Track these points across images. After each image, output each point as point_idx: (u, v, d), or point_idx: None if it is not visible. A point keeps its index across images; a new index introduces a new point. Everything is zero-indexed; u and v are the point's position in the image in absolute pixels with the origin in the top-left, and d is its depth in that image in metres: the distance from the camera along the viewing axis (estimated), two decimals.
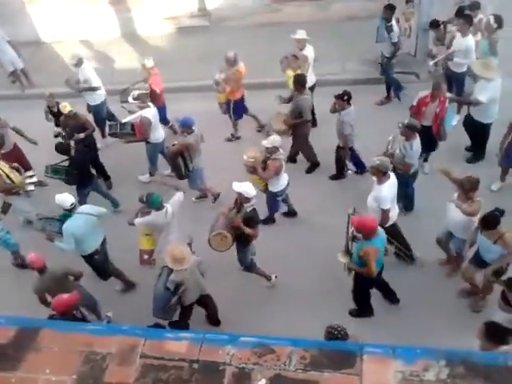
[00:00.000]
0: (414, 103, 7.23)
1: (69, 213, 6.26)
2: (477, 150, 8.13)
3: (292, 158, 8.43)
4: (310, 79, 8.38)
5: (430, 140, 7.29)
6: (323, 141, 8.15)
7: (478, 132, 7.90)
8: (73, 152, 7.39)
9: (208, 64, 9.35)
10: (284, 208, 7.66)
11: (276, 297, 6.74)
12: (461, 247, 6.32)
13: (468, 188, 5.70)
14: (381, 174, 6.00)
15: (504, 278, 5.59)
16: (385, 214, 5.98)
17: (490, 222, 5.39)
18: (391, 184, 6.04)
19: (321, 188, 7.95)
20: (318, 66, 8.81)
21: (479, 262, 5.87)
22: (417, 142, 6.55)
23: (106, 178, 8.74)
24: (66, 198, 6.29)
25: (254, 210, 6.18)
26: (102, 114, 9.24)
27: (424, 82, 9.13)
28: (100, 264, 6.61)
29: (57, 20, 12.62)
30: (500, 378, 1.66)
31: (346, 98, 7.10)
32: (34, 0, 12.50)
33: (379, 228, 5.53)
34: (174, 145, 7.49)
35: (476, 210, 5.75)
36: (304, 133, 7.93)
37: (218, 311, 6.38)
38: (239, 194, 6.06)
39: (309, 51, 8.46)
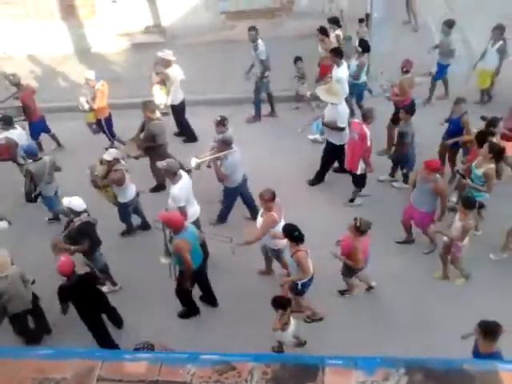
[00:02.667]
0: (369, 143, 7.35)
1: None
2: (322, 172, 8.35)
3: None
4: (178, 97, 8.91)
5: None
6: None
7: (330, 154, 8.12)
8: None
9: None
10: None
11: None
12: (275, 258, 6.73)
13: (266, 199, 6.07)
14: (171, 174, 6.54)
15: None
16: (181, 210, 6.41)
17: (287, 229, 5.72)
18: (184, 183, 6.54)
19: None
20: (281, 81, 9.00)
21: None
22: (232, 155, 7.02)
23: None
24: None
25: (84, 223, 6.36)
26: None
27: (377, 97, 9.45)
28: None
29: (6, 35, 12.28)
30: (456, 381, 1.70)
31: (225, 122, 7.45)
32: None
33: (188, 224, 6.04)
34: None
35: (266, 221, 6.12)
36: (157, 156, 7.86)
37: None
38: (69, 208, 6.36)
39: (175, 70, 8.82)
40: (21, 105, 8.86)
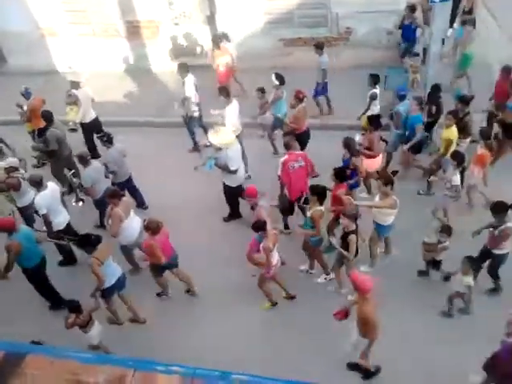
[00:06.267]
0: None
1: None
2: (233, 212, 8.61)
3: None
4: (88, 116, 9.87)
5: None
6: None
7: (229, 195, 8.32)
8: None
9: (216, 102, 9.49)
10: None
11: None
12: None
13: (108, 196, 7.07)
14: (34, 184, 7.41)
15: None
16: (43, 217, 7.35)
17: (82, 236, 6.56)
18: (46, 194, 7.36)
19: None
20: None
21: None
22: (89, 169, 7.78)
23: None
24: None
25: None
26: None
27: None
28: None
29: (74, 52, 13.00)
30: None
31: (105, 139, 8.22)
32: (55, 32, 12.92)
33: (21, 226, 6.88)
34: None
35: (112, 218, 7.02)
36: (57, 162, 9.00)
37: None
38: None
39: (83, 92, 9.75)
40: None
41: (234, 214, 8.59)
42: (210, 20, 12.28)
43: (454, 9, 12.09)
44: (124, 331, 7.06)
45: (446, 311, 6.73)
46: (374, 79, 9.12)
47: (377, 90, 9.09)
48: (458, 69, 10.28)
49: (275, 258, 6.61)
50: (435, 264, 6.95)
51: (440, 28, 9.43)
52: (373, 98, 9.04)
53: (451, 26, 12.61)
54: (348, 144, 7.70)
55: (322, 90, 10.22)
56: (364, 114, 9.07)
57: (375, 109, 9.13)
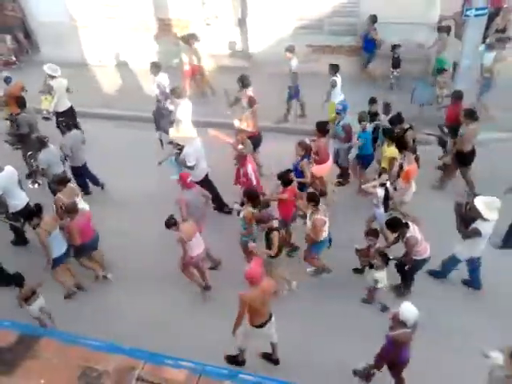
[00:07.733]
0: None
1: None
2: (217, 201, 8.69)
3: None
4: (62, 105, 10.21)
5: None
6: None
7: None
8: None
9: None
10: None
11: None
12: None
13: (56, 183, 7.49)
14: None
15: None
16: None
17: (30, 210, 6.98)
18: (3, 175, 7.53)
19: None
20: None
21: None
22: (45, 151, 8.15)
23: None
24: None
25: None
26: None
27: None
28: None
29: (105, 45, 13.21)
30: None
31: (64, 125, 8.88)
32: (88, 25, 13.16)
33: None
34: None
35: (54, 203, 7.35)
36: (27, 145, 9.29)
37: None
38: None
39: (59, 82, 10.10)
40: None
41: (219, 202, 8.72)
42: (241, 23, 12.37)
43: (487, 26, 11.97)
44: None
45: (365, 299, 7.05)
46: (334, 68, 9.40)
47: (337, 78, 9.30)
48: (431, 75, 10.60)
49: (195, 251, 6.78)
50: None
51: (471, 42, 9.33)
52: (333, 85, 9.29)
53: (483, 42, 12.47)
54: (305, 145, 7.72)
55: (294, 93, 10.34)
56: (326, 101, 9.43)
57: (338, 98, 9.27)
